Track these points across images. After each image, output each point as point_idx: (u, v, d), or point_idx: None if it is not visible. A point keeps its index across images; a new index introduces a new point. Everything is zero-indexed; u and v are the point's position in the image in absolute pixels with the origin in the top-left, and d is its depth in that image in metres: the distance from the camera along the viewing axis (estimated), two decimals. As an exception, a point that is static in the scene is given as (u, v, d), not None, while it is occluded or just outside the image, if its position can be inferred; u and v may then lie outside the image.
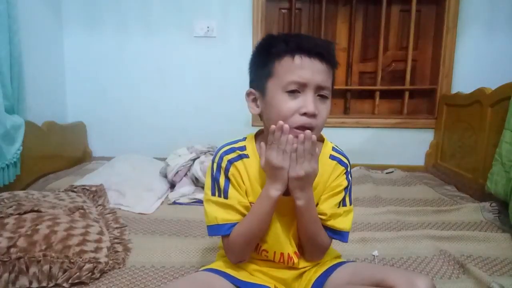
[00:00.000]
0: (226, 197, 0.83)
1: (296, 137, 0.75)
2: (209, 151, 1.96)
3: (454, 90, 2.38)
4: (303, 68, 0.76)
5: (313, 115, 0.77)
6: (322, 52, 0.77)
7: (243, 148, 0.86)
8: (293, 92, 0.77)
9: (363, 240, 1.32)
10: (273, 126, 0.75)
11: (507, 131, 1.53)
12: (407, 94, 2.50)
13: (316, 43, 0.79)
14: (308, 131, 0.74)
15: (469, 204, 1.64)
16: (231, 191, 0.83)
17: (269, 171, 0.78)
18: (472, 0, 2.34)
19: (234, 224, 0.82)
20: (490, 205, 1.58)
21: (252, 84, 0.86)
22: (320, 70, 0.77)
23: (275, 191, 0.78)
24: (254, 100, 0.85)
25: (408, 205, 1.74)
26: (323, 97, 0.79)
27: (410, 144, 2.49)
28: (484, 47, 2.38)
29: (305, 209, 0.79)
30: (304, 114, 0.77)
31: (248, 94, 0.86)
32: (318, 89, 0.78)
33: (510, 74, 1.89)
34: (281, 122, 0.75)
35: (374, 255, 1.22)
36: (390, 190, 1.95)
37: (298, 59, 0.77)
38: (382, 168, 2.38)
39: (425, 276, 0.75)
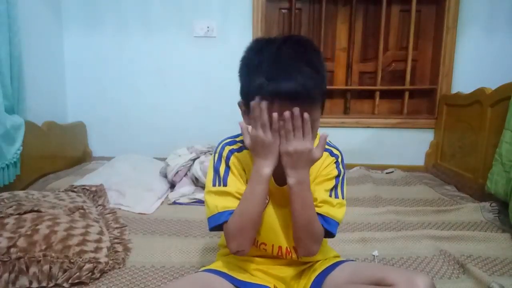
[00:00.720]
0: (225, 184, 0.83)
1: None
2: (209, 151, 1.97)
3: (454, 90, 2.38)
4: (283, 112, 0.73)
5: None
6: (304, 97, 0.73)
7: (243, 141, 0.87)
8: None
9: (363, 240, 1.32)
10: (252, 103, 0.74)
11: (507, 131, 1.54)
12: (407, 94, 2.50)
13: (299, 84, 0.72)
14: (306, 114, 0.73)
15: (469, 204, 1.64)
16: (230, 179, 0.84)
17: (259, 148, 0.77)
18: (472, 0, 2.34)
19: (233, 211, 0.82)
20: (490, 205, 1.58)
21: (241, 96, 0.83)
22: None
23: (266, 168, 0.78)
24: (246, 112, 0.83)
25: (408, 205, 1.74)
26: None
27: (410, 144, 2.49)
28: (484, 47, 2.38)
29: (297, 190, 0.78)
30: None
31: (240, 105, 0.85)
32: None
33: (510, 74, 1.89)
34: (257, 99, 0.73)
35: (374, 255, 1.22)
36: (390, 190, 1.95)
37: (277, 105, 0.73)
38: (382, 168, 2.38)
39: (425, 275, 0.75)
